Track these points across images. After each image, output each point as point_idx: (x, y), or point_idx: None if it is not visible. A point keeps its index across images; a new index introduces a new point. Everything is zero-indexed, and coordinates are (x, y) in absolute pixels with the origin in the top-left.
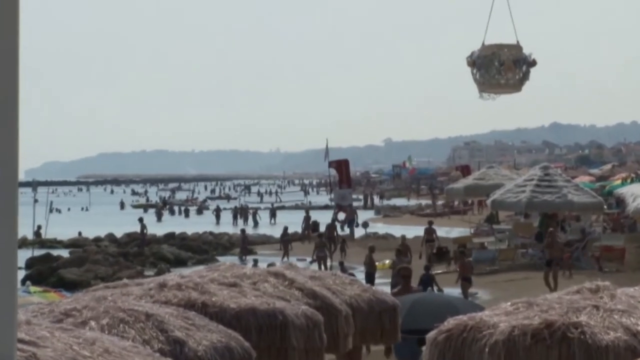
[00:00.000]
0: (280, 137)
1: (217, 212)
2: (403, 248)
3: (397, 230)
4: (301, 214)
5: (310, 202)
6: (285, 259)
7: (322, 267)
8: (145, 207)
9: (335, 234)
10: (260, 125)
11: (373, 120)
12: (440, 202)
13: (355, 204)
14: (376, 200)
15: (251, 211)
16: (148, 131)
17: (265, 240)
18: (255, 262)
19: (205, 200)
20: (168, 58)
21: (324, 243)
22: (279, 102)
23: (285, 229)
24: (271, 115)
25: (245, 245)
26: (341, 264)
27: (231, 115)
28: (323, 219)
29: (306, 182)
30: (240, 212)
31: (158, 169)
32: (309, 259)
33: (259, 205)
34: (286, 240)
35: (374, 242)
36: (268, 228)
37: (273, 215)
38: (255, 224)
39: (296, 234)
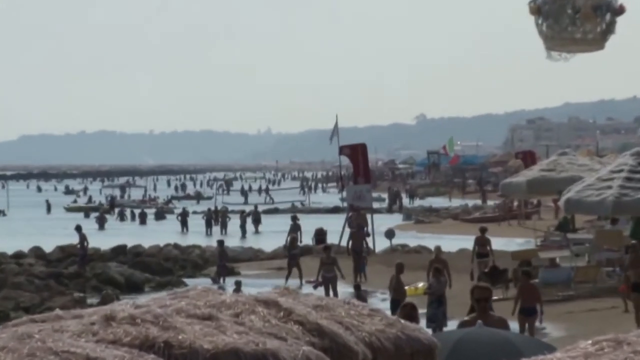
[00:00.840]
0: (272, 113)
1: (184, 217)
2: (440, 263)
3: (434, 241)
4: (304, 221)
5: (310, 204)
6: (294, 281)
7: (331, 292)
8: (86, 211)
9: (364, 245)
10: (244, 97)
11: (400, 90)
12: (493, 203)
13: (376, 205)
14: (405, 200)
15: (230, 216)
16: (89, 106)
17: (252, 256)
18: (238, 285)
19: (168, 201)
20: (113, 10)
21: (333, 260)
22: (270, 67)
23: (293, 240)
24: (259, 84)
25: (223, 263)
26: (357, 287)
27: (203, 85)
28: (333, 226)
29: (308, 175)
30: (217, 217)
31: (102, 157)
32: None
33: (243, 207)
34: (294, 256)
35: (402, 258)
36: (254, 239)
37: (256, 220)
38: (244, 232)
39: (304, 247)
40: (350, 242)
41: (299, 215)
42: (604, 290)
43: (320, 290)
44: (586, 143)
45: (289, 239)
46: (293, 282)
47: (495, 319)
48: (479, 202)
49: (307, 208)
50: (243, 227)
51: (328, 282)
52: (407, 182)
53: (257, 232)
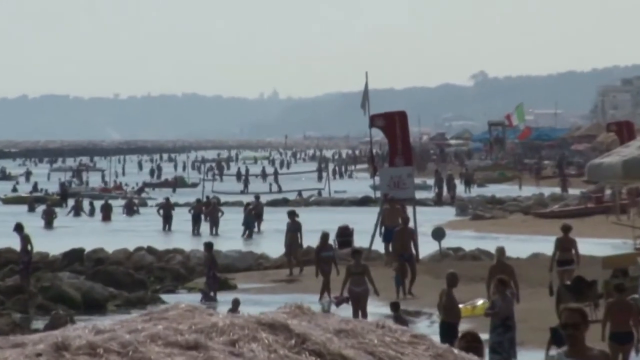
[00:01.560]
0: (279, 70)
1: (168, 209)
2: (505, 272)
3: (499, 243)
4: (318, 214)
5: (331, 193)
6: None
7: (359, 312)
8: (30, 203)
9: (411, 249)
10: (242, 51)
11: (452, 39)
12: (578, 191)
13: (419, 195)
14: (459, 187)
15: (224, 209)
16: (31, 63)
17: (253, 264)
18: (236, 305)
19: (141, 189)
20: None
21: (364, 268)
22: (275, 10)
23: (324, 237)
24: (262, 33)
25: (213, 273)
26: (395, 306)
27: (186, 32)
28: (361, 222)
29: (328, 154)
30: (207, 211)
31: (50, 130)
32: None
33: (241, 197)
34: (327, 260)
35: (455, 266)
36: (254, 240)
37: (257, 215)
38: (249, 232)
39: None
40: (394, 244)
41: (315, 209)
42: None
43: (346, 309)
44: None
45: (320, 236)
46: (307, 298)
47: (594, 354)
48: (558, 190)
49: (327, 199)
50: (248, 224)
51: (356, 298)
52: (463, 164)
53: (258, 231)
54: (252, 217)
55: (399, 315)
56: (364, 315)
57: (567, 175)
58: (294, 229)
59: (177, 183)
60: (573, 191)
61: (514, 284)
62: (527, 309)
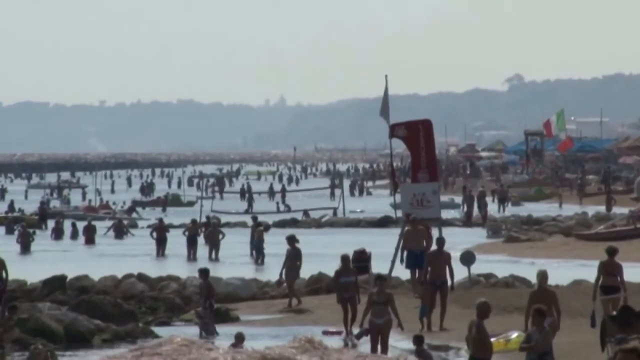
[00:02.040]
0: (288, 75)
1: (162, 231)
2: (547, 299)
3: (536, 268)
4: (331, 237)
5: (346, 213)
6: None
7: (378, 346)
8: (7, 224)
9: (445, 275)
10: (245, 53)
11: (484, 39)
12: (625, 210)
13: (446, 214)
14: (491, 206)
15: (224, 231)
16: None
17: (257, 293)
18: (239, 339)
19: (131, 208)
20: None
21: (388, 297)
22: (281, 7)
23: (345, 259)
24: (266, 32)
25: (210, 303)
26: (418, 339)
27: (181, 34)
28: (380, 245)
29: (342, 168)
30: (206, 233)
31: (28, 142)
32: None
33: (244, 217)
34: (347, 286)
35: (486, 294)
36: (257, 266)
37: (259, 238)
38: (260, 256)
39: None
40: (425, 269)
41: (328, 230)
42: None
43: (365, 343)
44: None
45: (341, 258)
46: (318, 331)
47: None
48: (603, 209)
49: (342, 220)
50: (259, 247)
51: (377, 331)
52: (498, 179)
53: (260, 261)
54: (262, 239)
55: (423, 350)
56: (385, 350)
57: (614, 192)
58: (293, 256)
59: (168, 201)
60: (619, 210)
61: (556, 312)
62: (568, 343)
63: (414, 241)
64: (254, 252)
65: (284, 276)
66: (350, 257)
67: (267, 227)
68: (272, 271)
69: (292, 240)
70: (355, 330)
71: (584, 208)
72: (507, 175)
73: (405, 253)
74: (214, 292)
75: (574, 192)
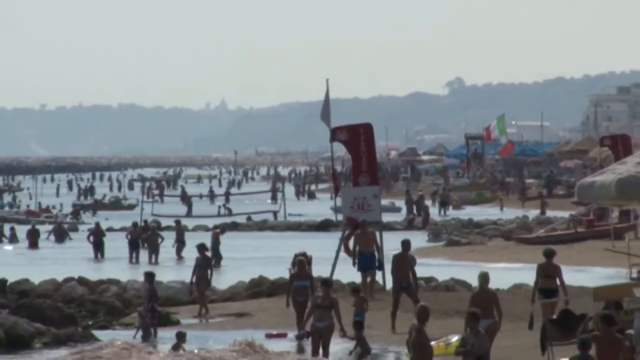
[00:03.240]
0: (228, 79)
1: (98, 236)
2: (488, 301)
3: (476, 272)
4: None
5: (286, 216)
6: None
7: (319, 350)
8: None
9: (410, 277)
10: (186, 56)
11: (425, 43)
12: (562, 214)
13: (387, 217)
14: (432, 209)
15: (163, 235)
16: None
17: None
18: (180, 338)
19: (75, 212)
20: None
21: (332, 302)
22: (221, 9)
23: (301, 263)
24: (207, 35)
25: (152, 306)
26: (358, 325)
27: (121, 37)
28: (321, 249)
29: (283, 171)
30: (145, 237)
31: None
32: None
33: (185, 221)
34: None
35: (426, 298)
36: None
37: (179, 241)
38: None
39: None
40: (392, 271)
41: (269, 234)
42: None
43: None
44: None
45: (294, 263)
46: (259, 334)
47: None
48: (543, 212)
49: (283, 223)
50: (216, 250)
51: (319, 334)
52: (436, 183)
53: (179, 258)
54: (218, 242)
55: (361, 336)
56: (326, 354)
57: (555, 195)
58: (203, 265)
59: (107, 204)
60: (560, 214)
61: (497, 313)
62: (508, 346)
63: (364, 244)
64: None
65: (190, 284)
66: (291, 261)
67: (223, 230)
68: (230, 275)
69: (202, 248)
70: (290, 334)
71: (525, 212)
72: (448, 179)
73: (357, 257)
74: (157, 296)
75: (514, 195)
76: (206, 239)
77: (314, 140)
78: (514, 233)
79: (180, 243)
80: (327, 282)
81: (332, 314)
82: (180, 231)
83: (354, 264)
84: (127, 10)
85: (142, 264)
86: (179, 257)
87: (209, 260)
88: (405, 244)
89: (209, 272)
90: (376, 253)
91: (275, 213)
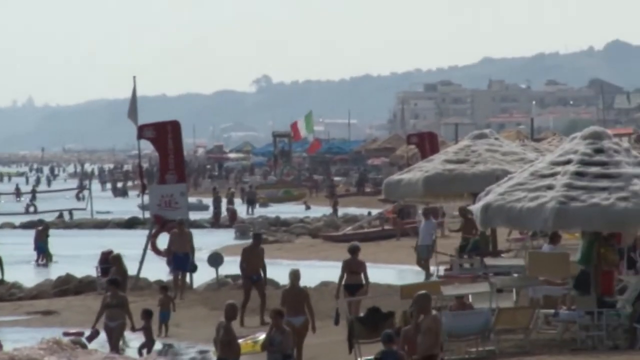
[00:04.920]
0: (35, 76)
1: None
2: (299, 298)
3: (285, 270)
4: (79, 238)
5: (93, 214)
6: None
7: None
8: None
9: (260, 270)
10: None
11: (229, 43)
12: (376, 212)
13: (194, 215)
14: (240, 207)
15: None
16: None
17: (4, 294)
18: None
19: None
20: None
21: (121, 300)
22: (31, 8)
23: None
24: (14, 32)
25: None
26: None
27: None
28: (130, 247)
29: (90, 168)
30: None
31: None
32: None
33: None
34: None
35: (234, 296)
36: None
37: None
38: (43, 255)
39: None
40: (241, 264)
41: (76, 232)
42: (542, 344)
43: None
44: (515, 120)
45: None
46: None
47: None
48: (353, 210)
49: (90, 221)
50: (41, 248)
51: (110, 333)
52: (243, 181)
53: None
54: (45, 240)
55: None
56: (114, 348)
57: (358, 193)
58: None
59: None
60: (361, 211)
61: (308, 310)
62: (317, 344)
63: (179, 244)
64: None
65: None
66: (98, 258)
67: (46, 227)
68: (21, 273)
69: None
70: (87, 332)
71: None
72: (255, 177)
73: (172, 256)
74: None
75: (322, 193)
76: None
77: (121, 138)
78: (321, 231)
79: None
80: (115, 282)
81: (123, 313)
82: None
83: (168, 263)
84: None
85: None
86: None
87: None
88: (257, 237)
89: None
90: (190, 255)
91: (71, 211)
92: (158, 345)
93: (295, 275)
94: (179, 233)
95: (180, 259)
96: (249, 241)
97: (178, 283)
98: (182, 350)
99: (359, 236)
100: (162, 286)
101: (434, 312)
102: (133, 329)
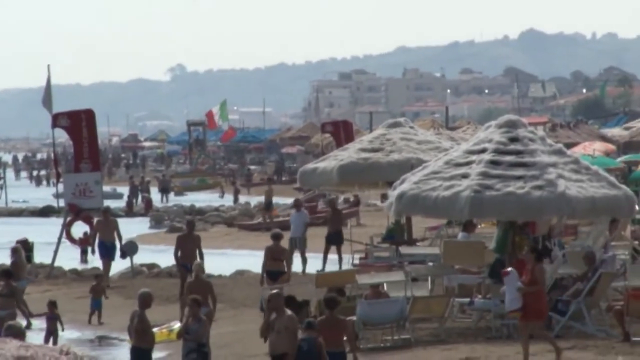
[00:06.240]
0: None
1: None
2: (202, 290)
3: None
4: None
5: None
6: None
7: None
8: None
9: (196, 257)
10: None
11: (143, 32)
12: (290, 200)
13: (109, 203)
14: (155, 196)
15: None
16: None
17: None
18: None
19: None
20: None
21: (12, 290)
22: None
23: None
24: None
25: None
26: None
27: None
28: (43, 236)
29: (6, 158)
30: None
31: None
32: None
33: None
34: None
35: (149, 284)
36: None
37: None
38: None
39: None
40: (175, 251)
41: None
42: (459, 332)
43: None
44: (430, 108)
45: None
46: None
47: None
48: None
49: (4, 209)
50: None
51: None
52: (158, 169)
53: None
54: None
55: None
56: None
57: (277, 182)
58: None
59: None
60: (283, 200)
61: (212, 301)
62: (231, 333)
63: (105, 233)
64: None
65: None
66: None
67: None
68: None
69: None
70: None
71: (248, 198)
72: (171, 167)
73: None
74: None
75: (240, 182)
76: None
77: (35, 126)
78: (236, 219)
79: None
80: (7, 273)
81: (14, 303)
82: None
83: (92, 252)
84: None
85: None
86: None
87: None
88: (189, 224)
89: None
90: (117, 242)
91: None
92: (90, 336)
93: (199, 267)
94: (105, 222)
95: (107, 247)
96: (163, 230)
97: (107, 271)
98: (94, 339)
99: (275, 224)
100: (95, 274)
101: (288, 312)
102: (30, 315)
